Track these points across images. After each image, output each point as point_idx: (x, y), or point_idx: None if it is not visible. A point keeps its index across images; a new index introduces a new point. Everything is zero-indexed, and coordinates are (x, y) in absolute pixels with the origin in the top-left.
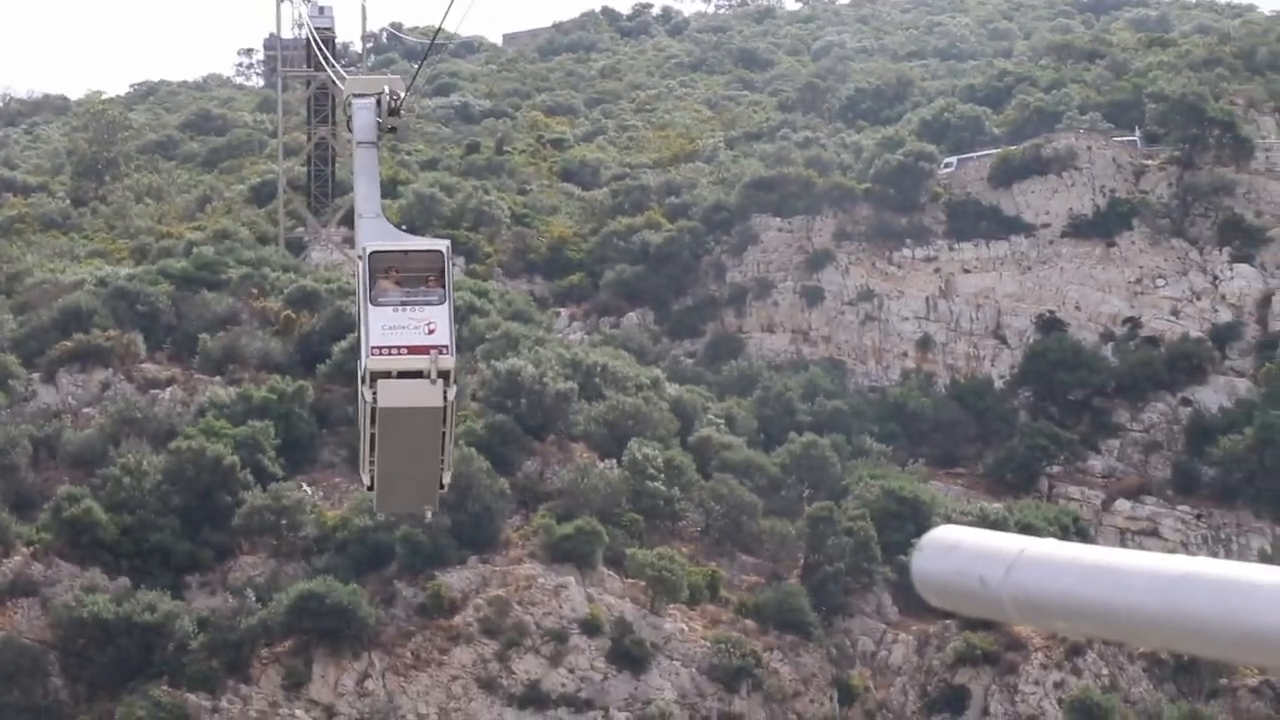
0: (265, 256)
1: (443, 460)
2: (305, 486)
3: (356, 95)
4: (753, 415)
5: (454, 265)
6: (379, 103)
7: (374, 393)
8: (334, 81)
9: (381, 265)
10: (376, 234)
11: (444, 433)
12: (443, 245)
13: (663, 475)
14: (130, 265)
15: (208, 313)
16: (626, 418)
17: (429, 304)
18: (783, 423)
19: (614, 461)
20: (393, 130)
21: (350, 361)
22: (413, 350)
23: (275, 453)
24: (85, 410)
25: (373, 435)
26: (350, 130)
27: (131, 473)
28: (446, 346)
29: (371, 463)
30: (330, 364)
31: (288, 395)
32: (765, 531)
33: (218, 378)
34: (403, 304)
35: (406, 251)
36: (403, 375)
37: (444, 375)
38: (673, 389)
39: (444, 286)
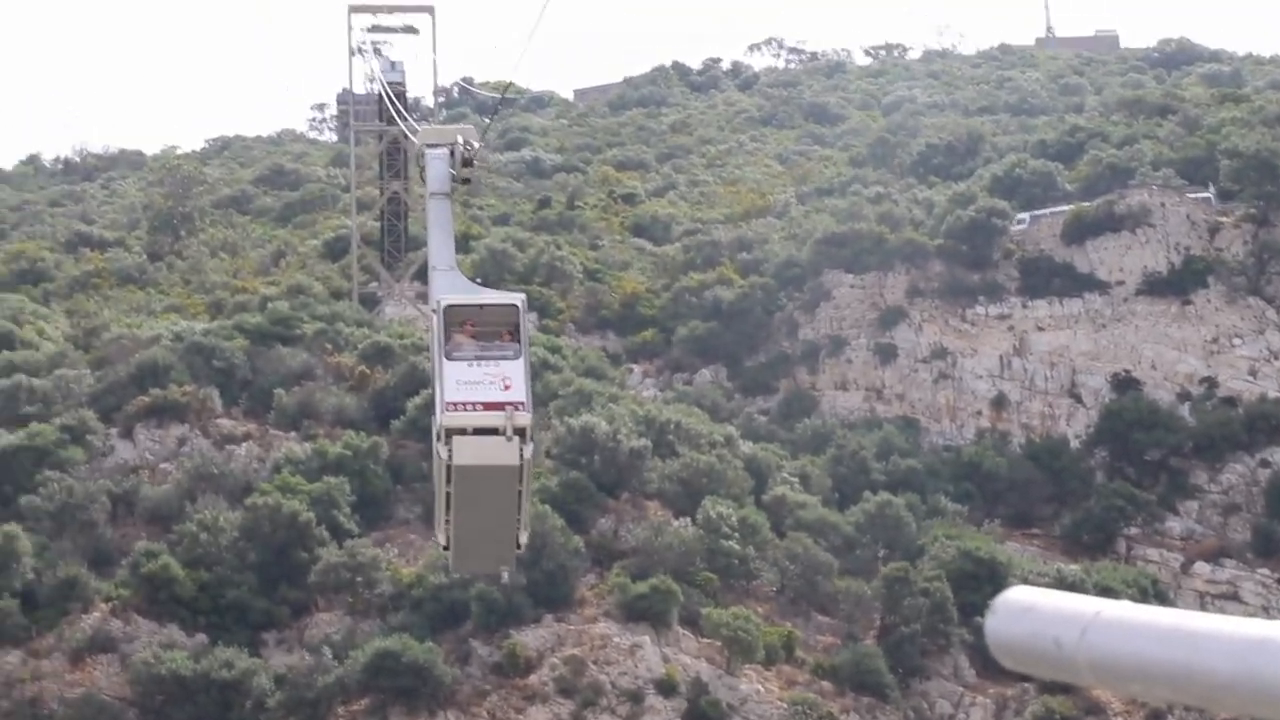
0: (339, 311)
1: (519, 519)
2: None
3: (430, 146)
4: (827, 474)
5: (528, 320)
6: (452, 153)
7: (449, 450)
8: (406, 136)
9: (456, 319)
10: (451, 287)
11: (520, 491)
12: (518, 299)
13: (737, 534)
14: (206, 320)
15: (283, 368)
16: (700, 475)
17: (504, 359)
18: (857, 481)
19: (688, 520)
20: (466, 181)
21: (424, 417)
22: (488, 406)
23: (350, 509)
24: (162, 466)
25: (448, 493)
26: (424, 181)
27: (208, 529)
28: (523, 402)
29: (447, 521)
30: (404, 420)
31: (362, 451)
32: (840, 591)
33: (293, 433)
34: (478, 359)
35: (481, 305)
36: (478, 432)
37: (520, 432)
38: (746, 447)
39: (519, 341)
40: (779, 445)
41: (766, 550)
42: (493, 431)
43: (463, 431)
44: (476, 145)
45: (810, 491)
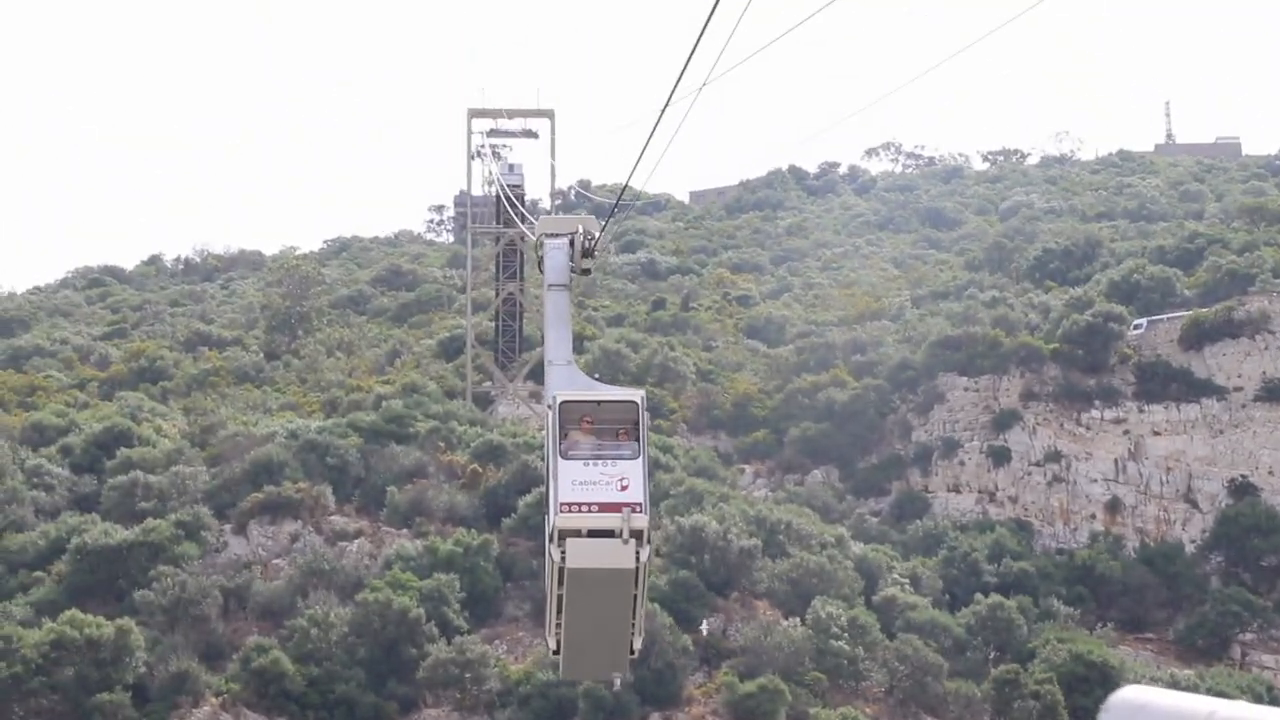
0: (453, 410)
1: (634, 624)
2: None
3: (549, 235)
4: (938, 575)
5: (647, 418)
6: (572, 243)
7: (562, 552)
8: (523, 238)
9: (573, 416)
10: (568, 382)
11: (636, 595)
12: (637, 396)
13: (846, 634)
14: (320, 418)
15: (395, 465)
16: (810, 576)
17: (622, 458)
18: (968, 583)
19: (797, 619)
20: (586, 272)
21: (535, 516)
22: (604, 508)
23: (460, 606)
24: (275, 561)
25: (560, 596)
26: (541, 272)
27: (319, 624)
28: (640, 504)
29: (558, 625)
30: (515, 518)
31: (473, 549)
32: (950, 693)
33: (404, 530)
34: (594, 458)
35: (599, 402)
36: (593, 534)
37: (637, 535)
38: (857, 547)
39: (638, 440)
40: (890, 546)
41: (876, 651)
42: (608, 534)
43: (577, 533)
44: (597, 235)
45: (921, 593)
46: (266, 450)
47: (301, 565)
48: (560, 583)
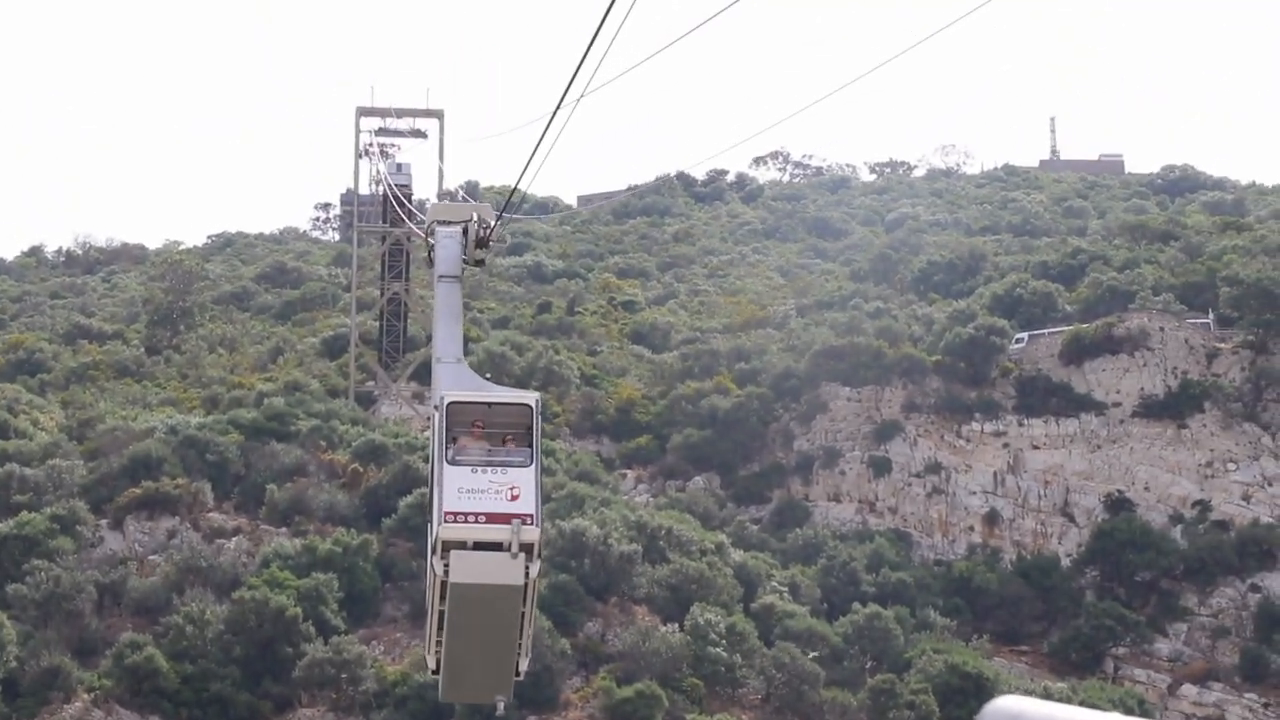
0: (335, 409)
1: (521, 644)
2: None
3: (441, 223)
4: (816, 584)
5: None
6: (465, 232)
7: (445, 565)
8: (409, 238)
9: (462, 418)
10: (457, 382)
11: (524, 613)
12: (532, 399)
13: (725, 641)
14: (201, 414)
15: (276, 464)
16: (690, 582)
17: (513, 465)
18: (847, 593)
19: (676, 625)
20: (480, 263)
21: (416, 517)
22: (492, 518)
23: (338, 605)
24: (151, 558)
25: (441, 613)
26: (431, 263)
27: (194, 622)
28: (531, 515)
29: (439, 643)
30: (396, 518)
31: (352, 549)
32: (827, 702)
33: (283, 529)
34: (483, 464)
35: (490, 404)
36: (479, 546)
37: (527, 549)
38: (737, 555)
39: (531, 446)
40: (770, 554)
41: (754, 658)
42: (496, 547)
43: (462, 545)
44: (493, 223)
45: (800, 601)
46: (145, 445)
47: (178, 562)
48: (442, 597)
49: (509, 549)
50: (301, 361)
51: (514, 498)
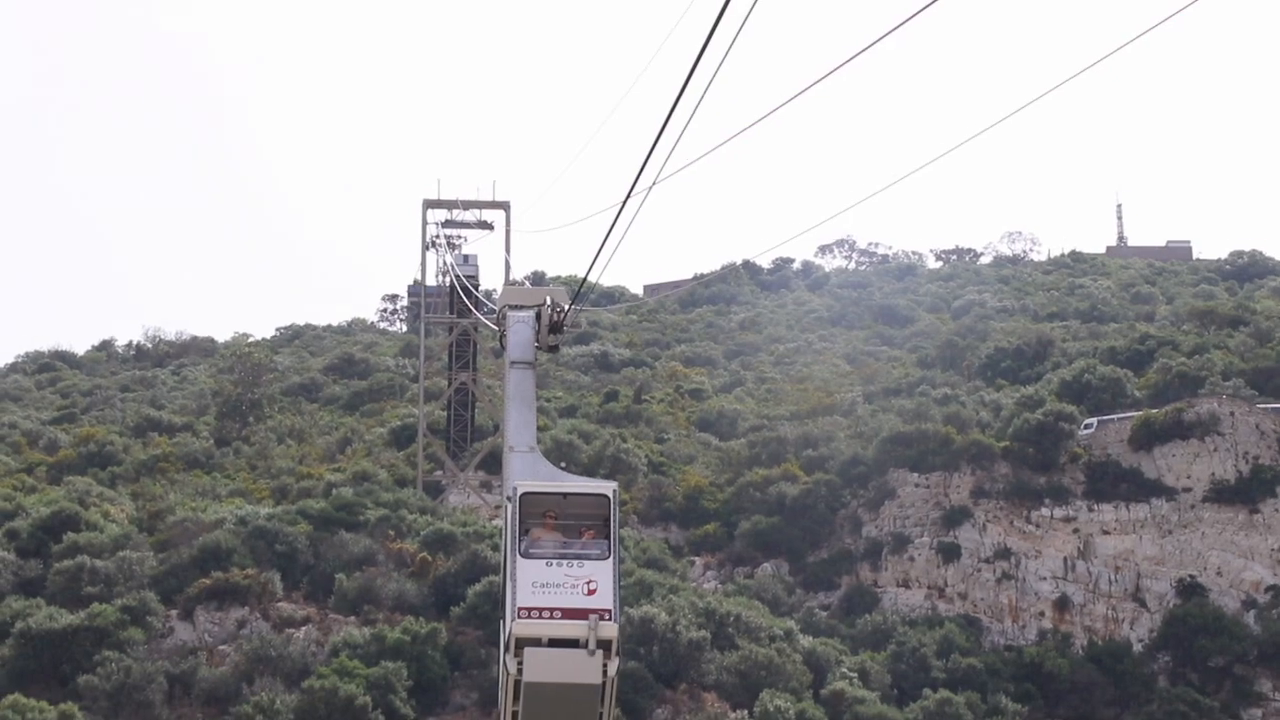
0: (403, 499)
1: None
2: None
3: (513, 308)
4: (886, 670)
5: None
6: (539, 317)
7: (519, 663)
8: (476, 329)
9: (535, 509)
10: (530, 471)
11: (602, 713)
12: (609, 488)
13: None
14: (270, 505)
15: (345, 553)
16: (759, 668)
17: (589, 558)
18: (917, 679)
19: (745, 712)
20: (554, 349)
21: (484, 605)
22: (568, 614)
23: (407, 694)
24: (221, 648)
25: (515, 713)
26: (503, 348)
27: (264, 711)
28: (609, 610)
29: None
30: (464, 606)
31: (421, 637)
32: None
33: (352, 618)
34: (558, 557)
35: (566, 494)
36: (555, 643)
37: (605, 645)
38: (806, 641)
39: (609, 538)
40: (839, 640)
41: None
42: (572, 643)
43: (537, 642)
44: (567, 307)
45: (870, 687)
46: (215, 536)
47: (248, 651)
48: (516, 697)
49: (586, 646)
50: (369, 451)
51: (591, 592)
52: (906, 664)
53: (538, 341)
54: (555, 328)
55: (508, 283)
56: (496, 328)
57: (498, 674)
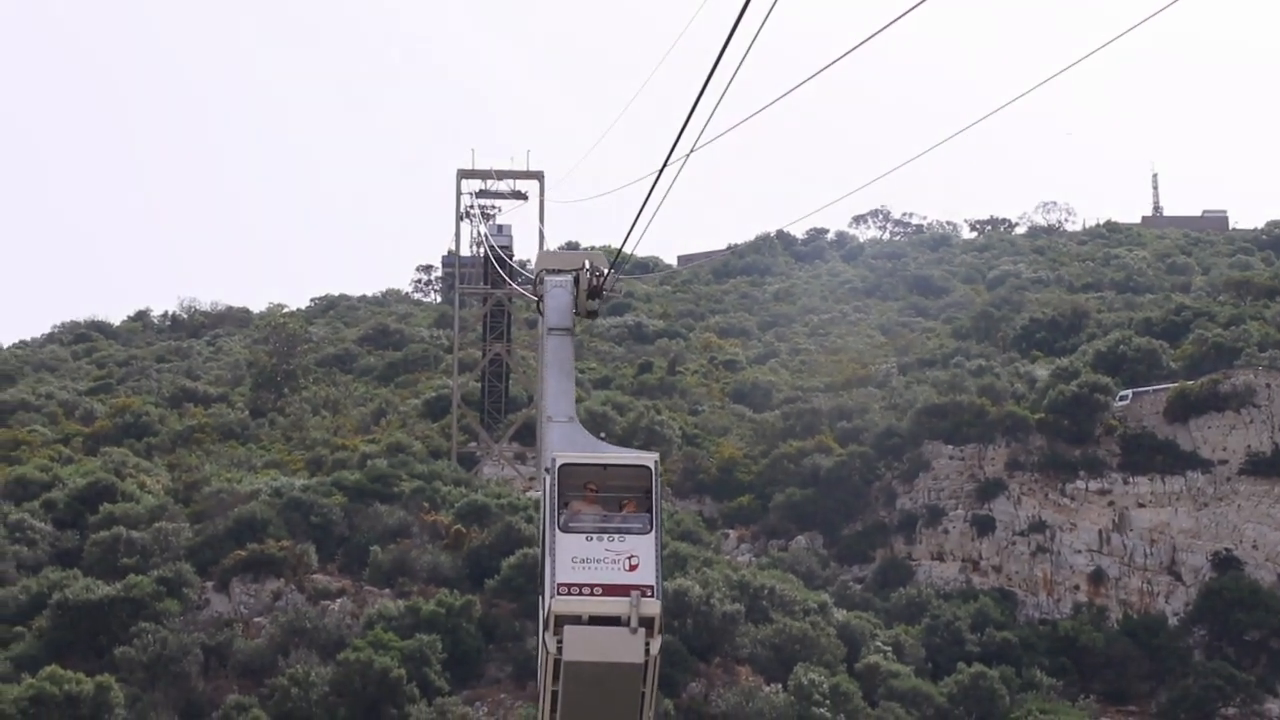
0: (437, 470)
1: None
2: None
3: (550, 272)
4: (920, 643)
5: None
6: (576, 281)
7: (559, 641)
8: (510, 299)
9: (574, 481)
10: (569, 442)
11: (644, 694)
12: (651, 459)
13: (828, 701)
14: (305, 476)
15: (379, 525)
16: (793, 642)
17: (631, 532)
18: (951, 652)
19: (779, 685)
20: (593, 315)
21: (518, 578)
22: (609, 590)
23: (442, 666)
24: (256, 620)
25: (555, 693)
26: (540, 314)
27: (299, 683)
28: (651, 587)
29: None
30: (498, 579)
31: (455, 609)
32: None
33: (387, 590)
34: (599, 531)
35: (606, 466)
36: (596, 621)
37: (647, 623)
38: (840, 614)
39: (651, 511)
40: (873, 614)
41: (858, 718)
42: (614, 621)
43: (577, 620)
44: (606, 271)
45: (904, 661)
46: (250, 508)
47: (283, 623)
48: (556, 677)
49: (628, 624)
50: (404, 423)
51: (632, 567)
52: (941, 638)
53: (576, 307)
54: (594, 293)
55: (541, 253)
56: (533, 295)
57: (536, 651)
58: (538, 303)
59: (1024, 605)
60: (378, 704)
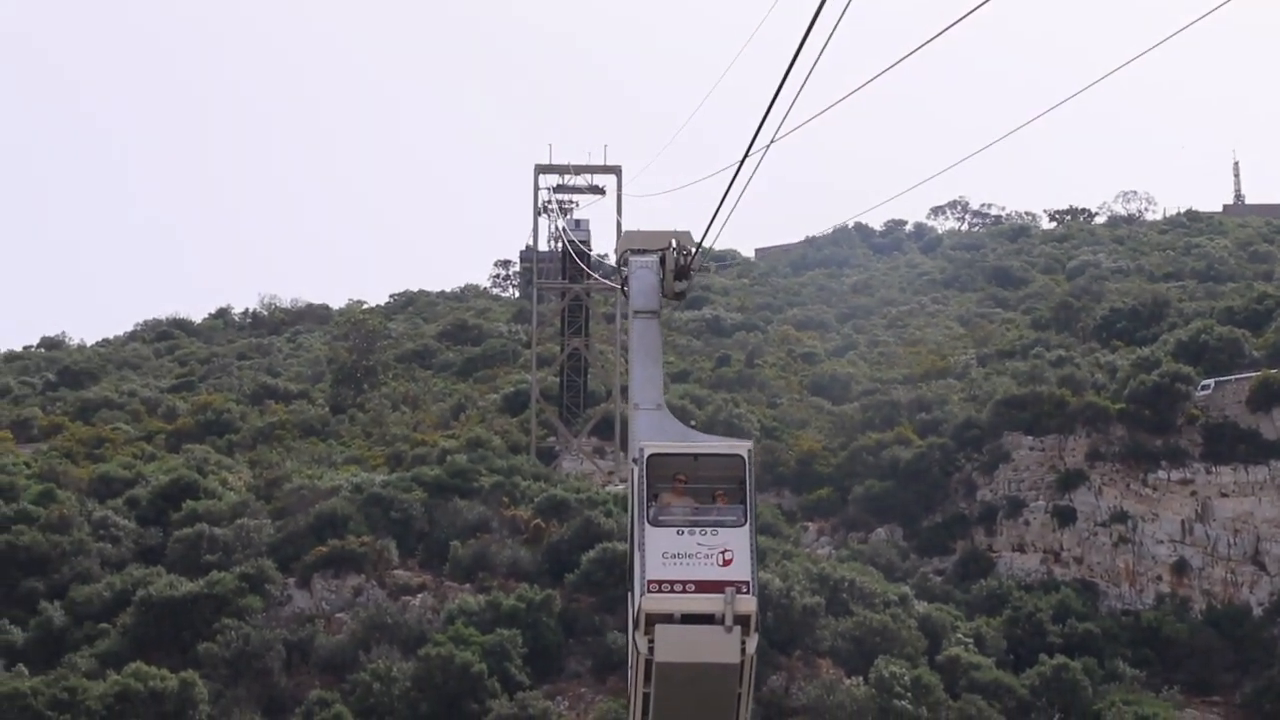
0: (517, 465)
1: None
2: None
3: (635, 253)
4: (1002, 635)
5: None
6: (663, 261)
7: (650, 641)
8: (588, 293)
9: (664, 472)
10: (659, 431)
11: (740, 695)
12: (744, 448)
13: (910, 694)
14: (385, 472)
15: (459, 520)
16: (874, 634)
17: (724, 525)
18: (1033, 644)
19: (860, 679)
20: (680, 296)
21: (598, 572)
22: (702, 587)
23: (522, 661)
24: (338, 615)
25: (646, 695)
26: (625, 296)
27: (381, 679)
28: (747, 582)
29: None
30: (578, 573)
31: (535, 604)
32: None
33: (467, 585)
34: (691, 524)
35: (697, 456)
36: (688, 619)
37: (742, 621)
38: (921, 606)
39: (745, 503)
40: (954, 606)
41: (940, 711)
42: (707, 619)
43: (669, 618)
44: (694, 250)
45: (985, 653)
46: (331, 504)
47: (364, 619)
48: (647, 678)
49: (722, 622)
50: (483, 418)
51: (726, 562)
52: (1022, 629)
53: (663, 289)
54: (682, 273)
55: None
56: (615, 281)
57: (615, 646)
58: (622, 285)
59: (1106, 596)
60: (459, 699)
